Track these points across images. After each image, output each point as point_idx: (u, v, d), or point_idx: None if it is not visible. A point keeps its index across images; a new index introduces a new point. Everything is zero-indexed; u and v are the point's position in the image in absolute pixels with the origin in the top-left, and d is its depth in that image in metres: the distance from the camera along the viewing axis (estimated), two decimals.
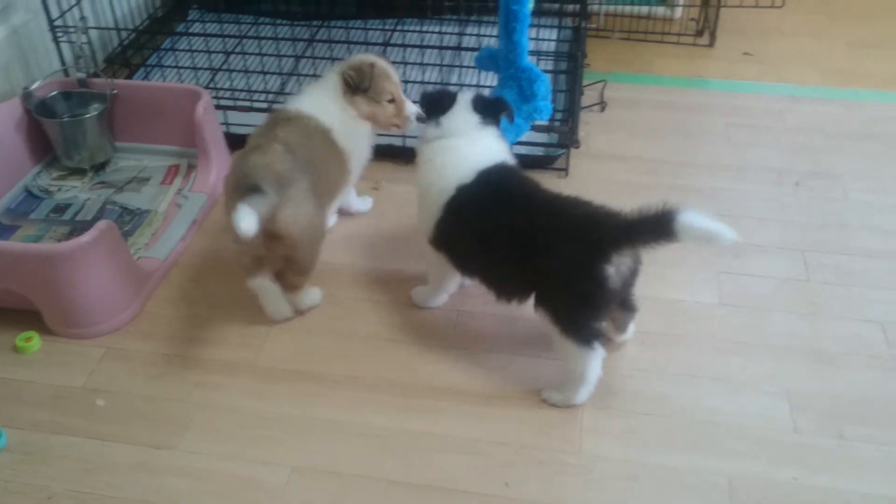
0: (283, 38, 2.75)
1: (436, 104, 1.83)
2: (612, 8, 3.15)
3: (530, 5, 2.12)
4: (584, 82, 2.66)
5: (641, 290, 1.89)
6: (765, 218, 2.22)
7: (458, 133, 1.80)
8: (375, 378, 1.78)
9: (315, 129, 1.92)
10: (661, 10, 3.19)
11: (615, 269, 1.55)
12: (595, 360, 1.63)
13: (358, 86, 1.96)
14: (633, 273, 1.63)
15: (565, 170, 2.39)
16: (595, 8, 3.11)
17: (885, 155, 2.47)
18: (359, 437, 1.66)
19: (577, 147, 2.46)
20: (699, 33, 3.11)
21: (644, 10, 3.17)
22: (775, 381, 1.76)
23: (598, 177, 2.38)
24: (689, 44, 3.07)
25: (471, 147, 1.79)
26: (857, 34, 3.14)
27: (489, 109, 1.83)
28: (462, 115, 1.81)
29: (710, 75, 2.90)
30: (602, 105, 2.70)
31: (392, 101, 2.01)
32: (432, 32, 2.70)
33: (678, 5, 3.18)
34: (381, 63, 2.01)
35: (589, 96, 2.71)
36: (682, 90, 2.82)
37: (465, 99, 1.83)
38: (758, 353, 1.83)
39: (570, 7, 2.95)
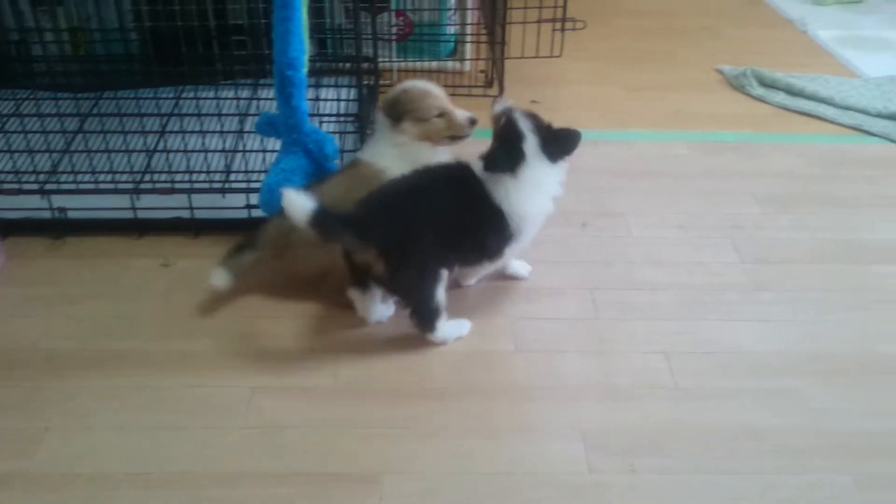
0: (48, 114, 2.53)
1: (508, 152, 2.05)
2: (403, 64, 3.21)
3: (305, 69, 2.11)
4: None
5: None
6: (556, 261, 2.29)
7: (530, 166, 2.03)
8: (163, 472, 1.67)
9: (371, 174, 2.07)
10: (450, 64, 3.29)
11: (351, 236, 1.83)
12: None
13: (394, 114, 2.09)
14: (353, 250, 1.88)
15: None
16: (387, 65, 3.16)
17: (662, 190, 2.63)
18: None
19: None
20: (489, 84, 3.22)
21: (434, 64, 3.25)
22: (570, 423, 1.80)
23: None
24: (480, 95, 3.16)
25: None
26: (632, 80, 3.36)
27: (556, 146, 2.07)
28: (535, 162, 2.05)
29: None
30: None
31: (441, 115, 2.13)
32: (211, 99, 2.59)
33: (466, 59, 3.29)
34: (415, 84, 2.14)
35: None
36: (475, 140, 2.87)
37: (532, 144, 2.04)
38: (554, 396, 1.87)
39: (364, 65, 2.96)
